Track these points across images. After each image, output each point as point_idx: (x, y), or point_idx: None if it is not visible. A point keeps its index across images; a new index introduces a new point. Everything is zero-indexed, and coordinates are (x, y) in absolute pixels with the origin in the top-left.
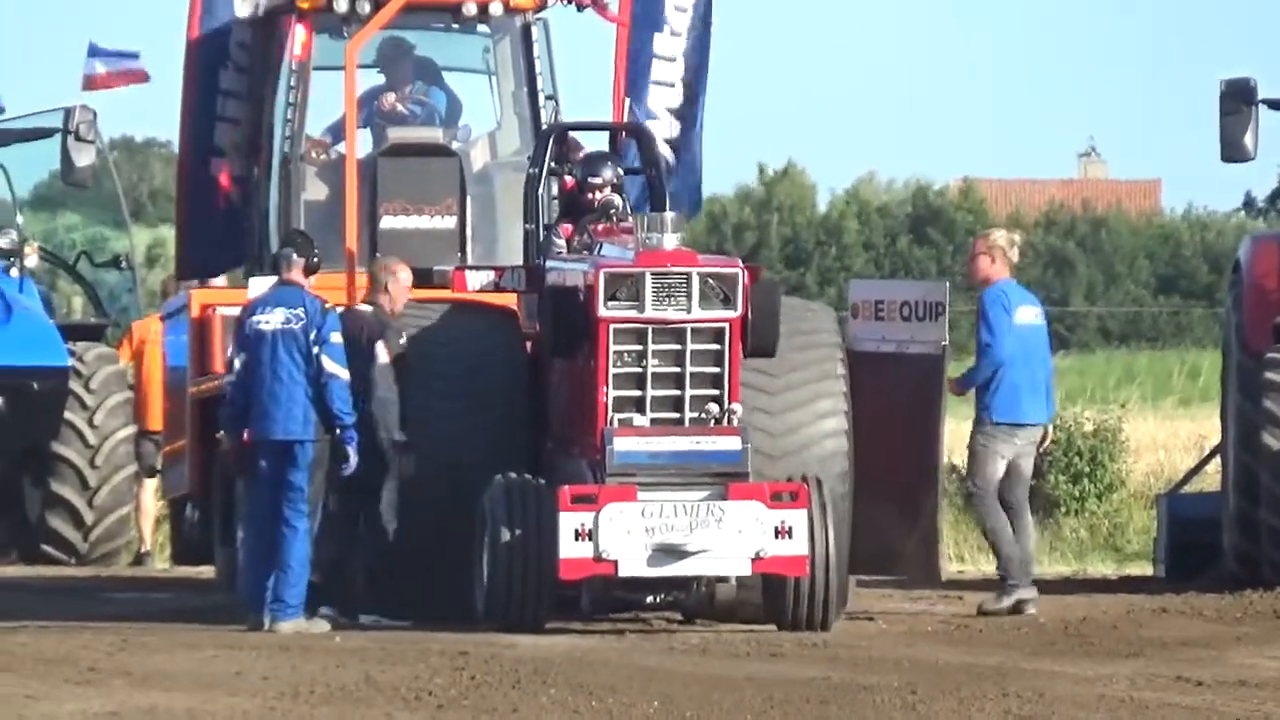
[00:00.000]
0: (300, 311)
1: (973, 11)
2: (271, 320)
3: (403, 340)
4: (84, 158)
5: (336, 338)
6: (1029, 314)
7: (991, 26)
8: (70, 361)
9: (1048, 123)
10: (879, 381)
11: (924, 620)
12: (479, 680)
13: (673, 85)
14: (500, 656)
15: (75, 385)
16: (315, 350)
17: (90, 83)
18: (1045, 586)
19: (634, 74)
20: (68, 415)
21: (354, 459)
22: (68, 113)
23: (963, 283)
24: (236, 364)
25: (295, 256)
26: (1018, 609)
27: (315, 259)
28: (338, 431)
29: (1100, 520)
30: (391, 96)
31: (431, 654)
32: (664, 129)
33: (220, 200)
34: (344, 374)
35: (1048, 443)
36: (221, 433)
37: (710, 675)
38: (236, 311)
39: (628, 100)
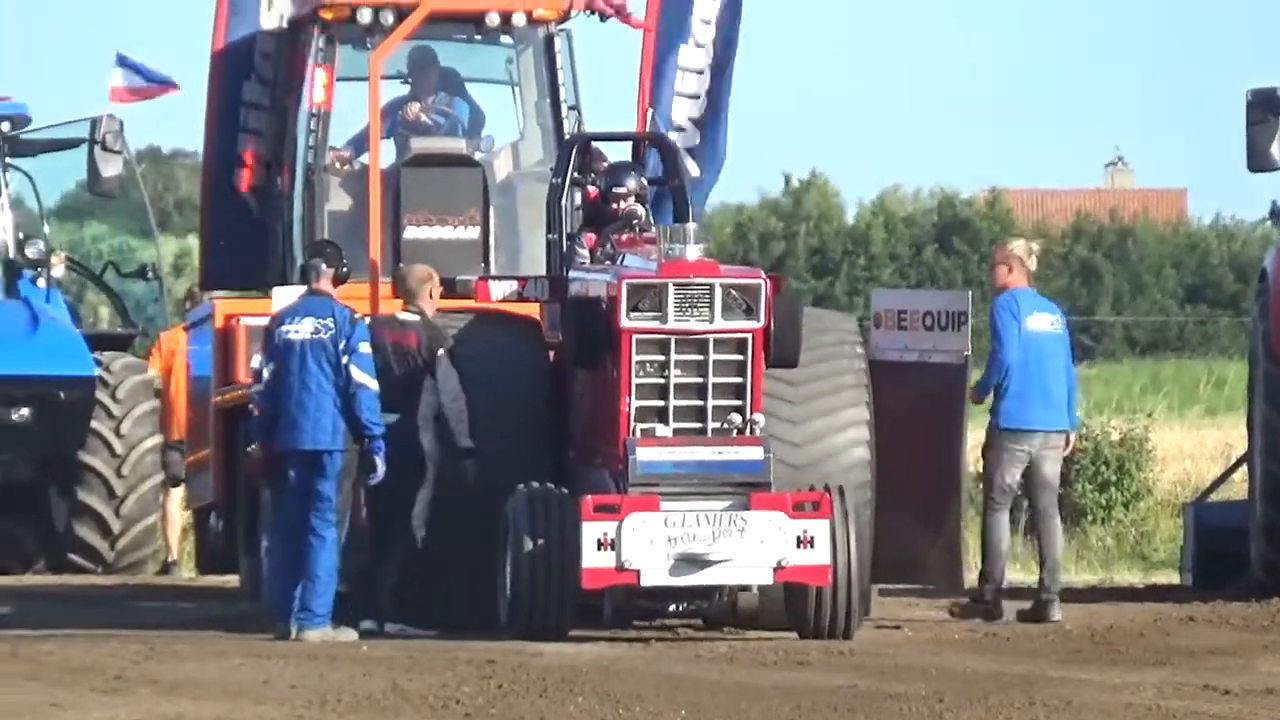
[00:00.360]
0: (329, 321)
1: (998, 21)
2: (300, 330)
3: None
4: (111, 168)
5: (365, 348)
6: (1043, 321)
7: (1017, 36)
8: (97, 371)
9: (1074, 133)
10: (902, 390)
11: (951, 628)
12: (506, 689)
13: (697, 97)
14: (527, 665)
15: (102, 395)
16: (344, 360)
17: (117, 94)
18: (1072, 595)
19: (658, 85)
20: (94, 424)
21: (381, 469)
22: (94, 123)
23: (990, 292)
24: (265, 374)
25: (324, 267)
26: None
27: (344, 269)
28: (366, 441)
29: (1127, 529)
30: (416, 106)
31: (459, 663)
32: (688, 140)
33: (241, 212)
34: (373, 384)
35: (1069, 450)
36: (252, 443)
37: (737, 683)
38: (261, 321)
39: (651, 111)
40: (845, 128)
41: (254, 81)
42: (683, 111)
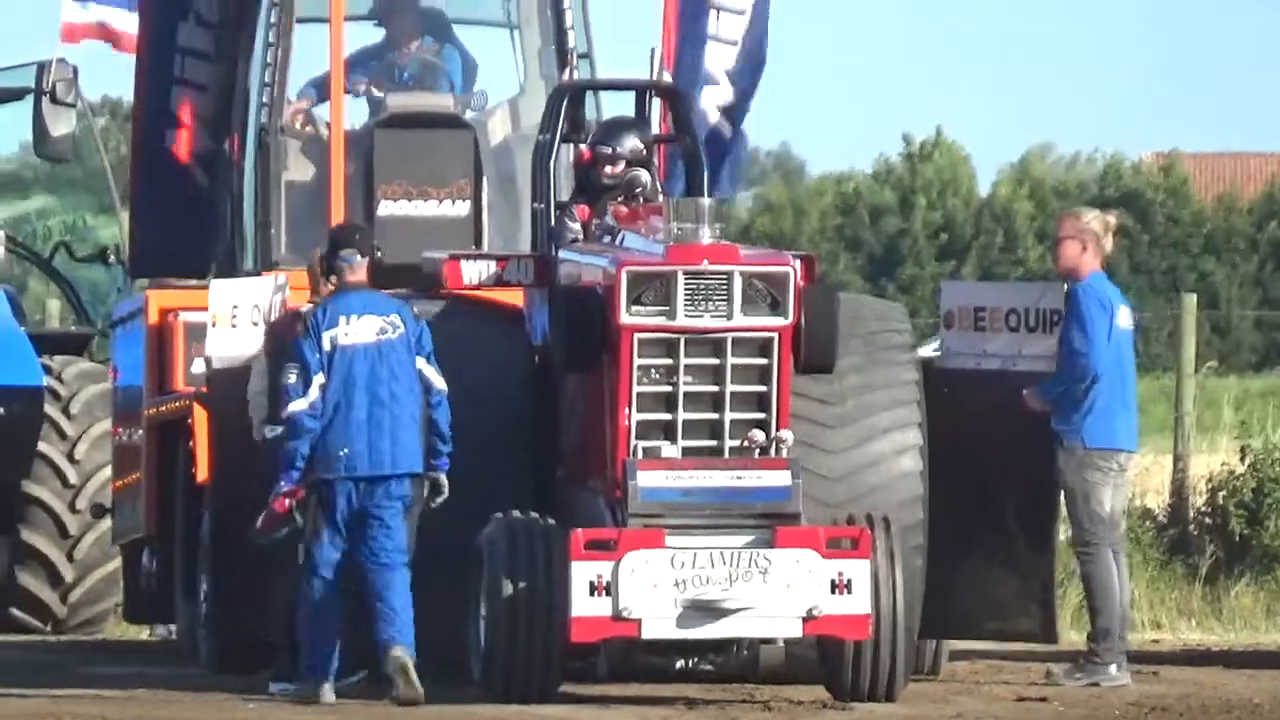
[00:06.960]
0: (396, 319)
1: None
2: (363, 333)
3: None
4: (62, 125)
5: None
6: (1127, 317)
7: None
8: (46, 381)
9: (1269, 84)
10: (980, 404)
11: (1109, 702)
12: None
13: (735, 43)
14: None
15: (52, 410)
16: (418, 366)
17: (72, 31)
18: (1264, 660)
19: (685, 26)
20: (42, 447)
21: (446, 488)
22: (42, 68)
23: (1162, 282)
24: (314, 390)
25: (359, 257)
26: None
27: (378, 252)
28: (437, 458)
29: None
30: (415, 46)
31: None
32: (721, 95)
33: (182, 181)
34: (445, 389)
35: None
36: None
37: None
38: (201, 317)
39: (656, 50)
40: (976, 78)
41: (192, 23)
42: (718, 61)
